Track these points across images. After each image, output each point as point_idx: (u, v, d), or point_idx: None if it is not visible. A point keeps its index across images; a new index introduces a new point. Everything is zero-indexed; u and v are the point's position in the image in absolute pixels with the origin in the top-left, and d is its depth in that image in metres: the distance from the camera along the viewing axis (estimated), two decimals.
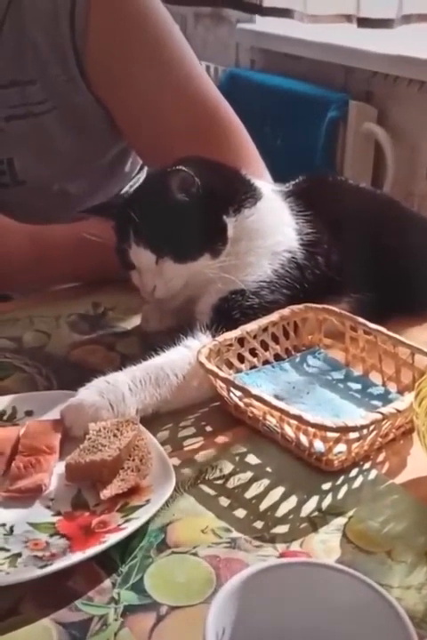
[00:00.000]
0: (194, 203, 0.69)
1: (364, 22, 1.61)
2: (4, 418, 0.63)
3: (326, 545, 0.51)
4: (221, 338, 0.66)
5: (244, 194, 0.72)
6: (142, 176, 1.05)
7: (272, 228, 0.72)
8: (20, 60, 0.87)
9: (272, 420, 0.61)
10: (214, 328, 0.67)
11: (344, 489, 0.57)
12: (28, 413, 0.63)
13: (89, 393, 0.61)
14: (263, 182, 0.78)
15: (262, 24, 1.91)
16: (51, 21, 0.85)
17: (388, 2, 1.59)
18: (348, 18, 1.64)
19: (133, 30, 0.87)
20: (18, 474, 0.56)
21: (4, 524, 0.52)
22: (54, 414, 0.62)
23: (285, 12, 1.76)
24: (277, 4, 1.78)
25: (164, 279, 0.70)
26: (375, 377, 0.69)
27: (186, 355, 0.65)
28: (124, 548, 0.50)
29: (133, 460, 0.55)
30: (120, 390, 0.61)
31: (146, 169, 1.04)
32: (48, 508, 0.54)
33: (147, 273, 0.71)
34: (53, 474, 0.57)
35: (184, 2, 1.88)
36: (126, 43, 0.87)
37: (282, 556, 0.50)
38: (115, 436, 0.57)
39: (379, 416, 0.57)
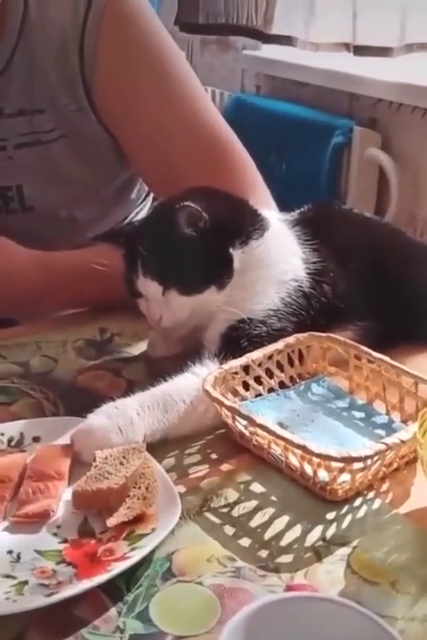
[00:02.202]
0: (201, 237, 0.70)
1: (361, 50, 1.63)
2: (12, 444, 0.63)
3: (330, 575, 0.51)
4: (226, 366, 0.67)
5: (251, 225, 0.73)
6: (149, 203, 1.07)
7: (279, 257, 0.73)
8: (29, 89, 0.88)
9: (277, 449, 0.61)
10: (222, 356, 0.68)
11: (348, 519, 0.57)
12: (36, 439, 0.64)
13: (98, 418, 0.62)
14: (269, 212, 0.79)
15: (268, 50, 1.94)
16: (60, 52, 0.87)
17: (388, 30, 1.61)
18: (347, 46, 1.66)
19: (141, 62, 0.89)
20: (26, 499, 0.57)
21: (10, 551, 0.53)
22: (61, 440, 0.63)
23: (287, 40, 1.78)
24: (279, 31, 1.80)
25: (170, 309, 0.71)
26: (379, 405, 0.69)
27: (194, 381, 0.66)
28: (130, 576, 0.50)
29: (139, 487, 0.56)
30: (129, 415, 0.62)
31: (152, 196, 1.06)
32: (55, 535, 0.54)
33: (154, 303, 0.72)
34: (61, 500, 0.57)
35: (190, 30, 1.91)
36: (134, 74, 0.89)
37: (287, 587, 0.50)
38: (121, 463, 0.57)
39: (383, 446, 0.58)
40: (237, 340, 0.70)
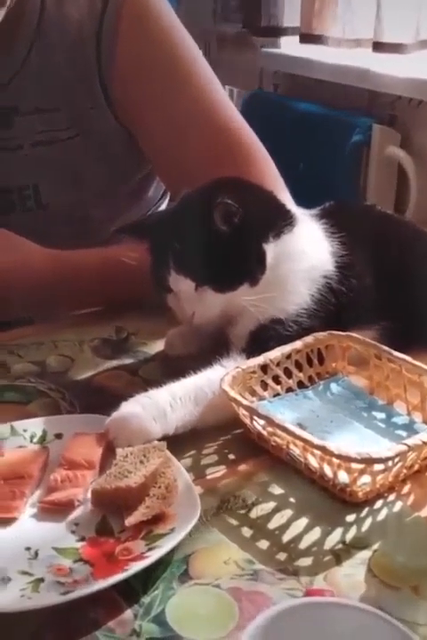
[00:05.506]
0: (235, 232, 0.68)
1: (377, 47, 1.62)
2: (34, 440, 0.63)
3: (350, 579, 0.50)
4: (244, 365, 0.66)
5: (282, 219, 0.72)
6: (166, 202, 1.06)
7: (309, 251, 0.72)
8: (45, 88, 0.88)
9: (296, 450, 0.60)
10: (249, 352, 0.67)
11: (369, 521, 0.56)
12: (58, 436, 0.63)
13: (133, 406, 0.62)
14: (294, 206, 0.78)
15: (286, 48, 1.92)
16: (77, 48, 0.87)
17: (404, 27, 1.59)
18: (373, 43, 1.64)
19: (159, 58, 0.88)
20: (54, 486, 0.57)
21: (29, 548, 0.52)
22: None
23: (319, 39, 1.77)
24: (313, 31, 1.79)
25: (203, 306, 0.71)
26: (400, 406, 0.68)
27: (223, 373, 0.65)
28: (147, 578, 0.50)
29: (159, 487, 0.55)
30: (162, 407, 0.62)
31: (170, 194, 1.05)
32: (73, 532, 0.54)
33: (186, 300, 0.71)
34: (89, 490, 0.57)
35: (255, 33, 1.92)
36: (152, 71, 0.88)
37: (307, 591, 0.49)
38: (141, 462, 0.57)
39: (404, 447, 0.57)
40: (267, 339, 0.69)
